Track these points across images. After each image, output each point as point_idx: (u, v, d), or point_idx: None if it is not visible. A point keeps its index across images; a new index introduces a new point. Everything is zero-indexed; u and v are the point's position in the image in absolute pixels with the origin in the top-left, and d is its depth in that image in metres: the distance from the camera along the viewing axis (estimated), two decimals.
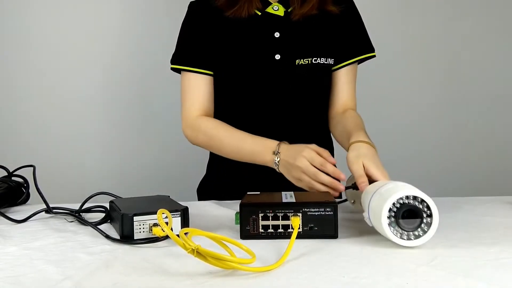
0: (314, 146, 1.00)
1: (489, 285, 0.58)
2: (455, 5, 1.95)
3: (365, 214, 0.80)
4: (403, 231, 0.73)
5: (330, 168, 0.96)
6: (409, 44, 1.94)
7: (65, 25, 1.87)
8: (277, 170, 1.06)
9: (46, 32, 1.86)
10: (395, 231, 0.73)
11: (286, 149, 1.04)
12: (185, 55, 1.22)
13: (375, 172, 0.90)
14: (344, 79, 1.24)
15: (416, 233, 0.73)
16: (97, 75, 1.89)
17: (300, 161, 0.98)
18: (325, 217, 0.79)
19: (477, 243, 0.76)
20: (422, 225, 0.72)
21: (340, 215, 0.81)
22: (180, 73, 1.24)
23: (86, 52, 1.88)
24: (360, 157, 0.93)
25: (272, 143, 1.07)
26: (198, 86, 1.21)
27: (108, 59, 1.89)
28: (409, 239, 0.73)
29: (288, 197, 0.85)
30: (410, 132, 1.97)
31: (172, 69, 1.25)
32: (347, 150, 1.00)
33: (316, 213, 0.79)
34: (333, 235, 0.79)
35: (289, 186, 1.03)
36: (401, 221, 0.72)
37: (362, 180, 0.89)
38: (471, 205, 1.04)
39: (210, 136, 1.18)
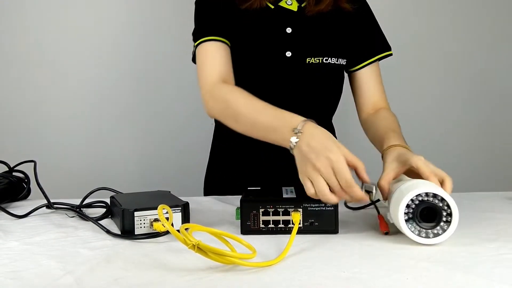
0: (345, 151, 0.79)
1: (489, 280, 0.59)
2: (457, 5, 1.95)
3: (386, 211, 0.80)
4: (421, 228, 0.72)
5: (357, 193, 0.76)
6: (411, 43, 1.94)
7: (68, 22, 1.87)
8: (291, 151, 0.85)
9: (47, 28, 1.86)
10: (412, 228, 0.72)
11: (311, 134, 0.82)
12: (202, 29, 1.14)
13: (423, 168, 0.81)
14: (369, 79, 1.21)
15: (435, 231, 0.72)
16: (99, 71, 1.89)
17: (322, 163, 0.77)
18: (326, 212, 0.79)
19: (477, 238, 0.76)
20: (441, 223, 0.72)
21: (340, 210, 0.81)
22: (195, 62, 1.16)
23: (87, 49, 1.88)
24: (395, 160, 0.87)
25: (295, 119, 0.86)
26: (216, 53, 1.10)
27: (110, 55, 1.89)
28: (427, 237, 0.72)
29: (288, 192, 0.85)
30: (411, 128, 1.96)
31: (193, 53, 1.17)
32: (382, 154, 0.95)
33: (317, 209, 0.79)
34: (334, 230, 0.79)
35: (290, 181, 1.02)
36: (419, 218, 0.72)
37: (385, 182, 0.83)
38: (471, 200, 1.04)
39: (226, 102, 1.02)
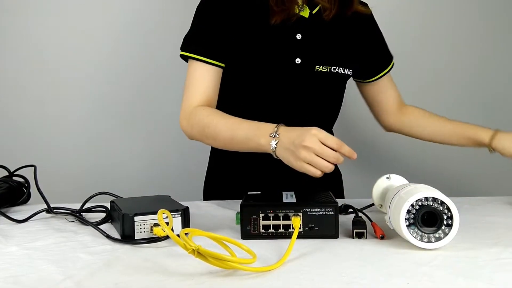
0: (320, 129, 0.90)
1: (489, 285, 0.59)
2: (455, 5, 1.95)
3: (386, 217, 0.80)
4: (423, 233, 0.72)
5: (347, 148, 0.88)
6: (414, 44, 1.94)
7: (69, 23, 1.87)
8: (274, 155, 0.95)
9: (48, 30, 1.86)
10: (414, 233, 0.72)
11: (287, 130, 0.93)
12: (197, 43, 1.14)
13: None
14: (390, 85, 1.32)
15: (437, 235, 0.72)
16: (98, 75, 1.89)
17: (310, 140, 0.87)
18: (326, 217, 0.79)
19: (477, 243, 0.76)
20: (443, 227, 0.72)
21: (340, 215, 0.81)
22: (187, 61, 1.16)
23: (87, 52, 1.88)
24: None
25: (268, 126, 0.97)
26: (204, 77, 1.13)
27: (109, 58, 1.89)
28: (429, 241, 0.72)
29: (288, 197, 0.85)
30: None
31: (181, 56, 1.17)
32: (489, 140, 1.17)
33: (317, 213, 0.79)
34: (334, 235, 0.79)
35: (291, 185, 1.02)
36: (420, 223, 0.72)
37: None
38: (471, 205, 1.04)
39: (204, 125, 1.08)
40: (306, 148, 0.87)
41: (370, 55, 1.26)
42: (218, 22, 1.14)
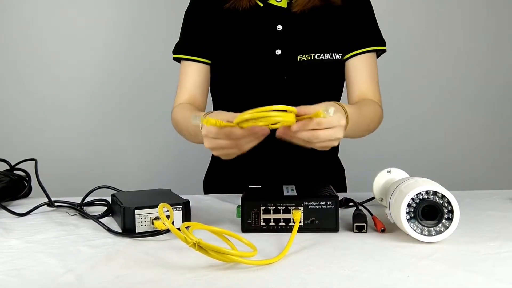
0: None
1: (489, 278, 0.59)
2: (459, 4, 1.95)
3: (386, 211, 0.80)
4: (423, 227, 0.72)
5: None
6: (418, 41, 1.94)
7: (70, 20, 1.87)
8: None
9: (48, 26, 1.86)
10: (415, 227, 0.72)
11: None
12: (183, 44, 1.21)
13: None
14: (359, 69, 1.16)
15: (437, 228, 0.72)
16: (98, 69, 1.89)
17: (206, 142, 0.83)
18: (327, 210, 0.79)
19: (477, 237, 0.76)
20: (443, 220, 0.72)
21: (341, 208, 0.81)
22: (180, 63, 1.22)
23: (90, 47, 1.88)
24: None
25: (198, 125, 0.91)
26: (191, 74, 1.19)
27: (111, 53, 1.89)
28: (429, 235, 0.72)
29: (289, 190, 0.85)
30: (412, 127, 1.97)
31: (174, 59, 1.23)
32: None
33: (318, 207, 0.79)
34: (335, 228, 0.79)
35: (292, 179, 1.02)
36: (420, 216, 0.72)
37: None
38: (472, 198, 1.04)
39: (176, 122, 1.16)
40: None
41: (351, 29, 1.16)
42: (201, 21, 1.19)
